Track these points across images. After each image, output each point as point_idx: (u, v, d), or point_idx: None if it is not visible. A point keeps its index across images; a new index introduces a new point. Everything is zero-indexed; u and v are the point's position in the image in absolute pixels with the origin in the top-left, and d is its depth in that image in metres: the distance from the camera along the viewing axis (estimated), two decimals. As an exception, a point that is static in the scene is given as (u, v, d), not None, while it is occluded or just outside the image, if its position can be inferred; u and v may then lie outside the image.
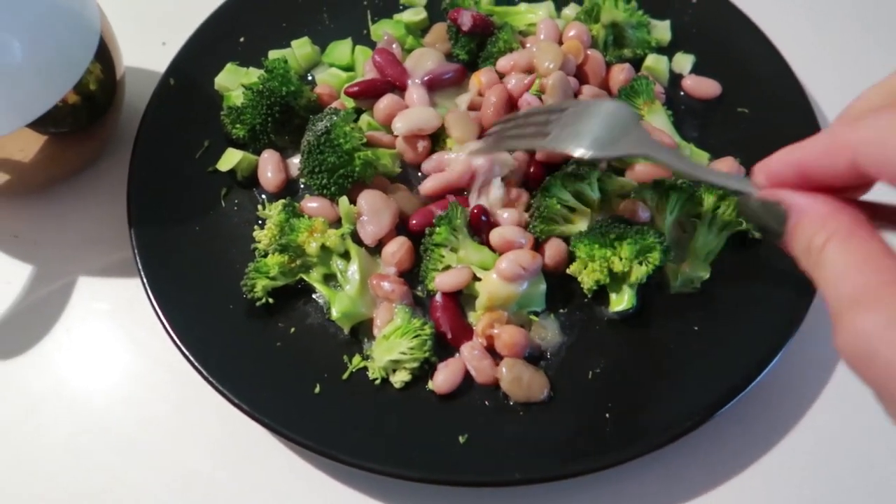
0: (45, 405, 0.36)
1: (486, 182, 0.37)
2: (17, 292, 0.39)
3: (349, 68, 0.43)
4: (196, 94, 0.42)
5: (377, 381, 0.35)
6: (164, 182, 0.39)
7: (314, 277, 0.36)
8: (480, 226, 0.36)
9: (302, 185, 0.40)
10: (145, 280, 0.36)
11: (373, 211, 0.36)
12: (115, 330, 0.38)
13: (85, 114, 0.38)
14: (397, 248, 0.36)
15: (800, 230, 0.22)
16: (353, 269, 0.35)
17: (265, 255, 0.36)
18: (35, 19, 0.34)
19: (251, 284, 0.36)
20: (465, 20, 0.41)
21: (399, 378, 0.34)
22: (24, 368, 0.37)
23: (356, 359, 0.35)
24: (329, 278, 0.37)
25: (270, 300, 0.36)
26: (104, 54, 0.38)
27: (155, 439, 0.35)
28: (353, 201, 0.37)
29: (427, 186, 0.37)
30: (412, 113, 0.38)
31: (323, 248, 0.35)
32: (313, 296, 0.37)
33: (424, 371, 0.35)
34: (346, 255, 0.36)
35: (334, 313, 0.35)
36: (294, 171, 0.40)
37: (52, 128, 0.36)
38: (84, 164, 0.42)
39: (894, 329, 0.18)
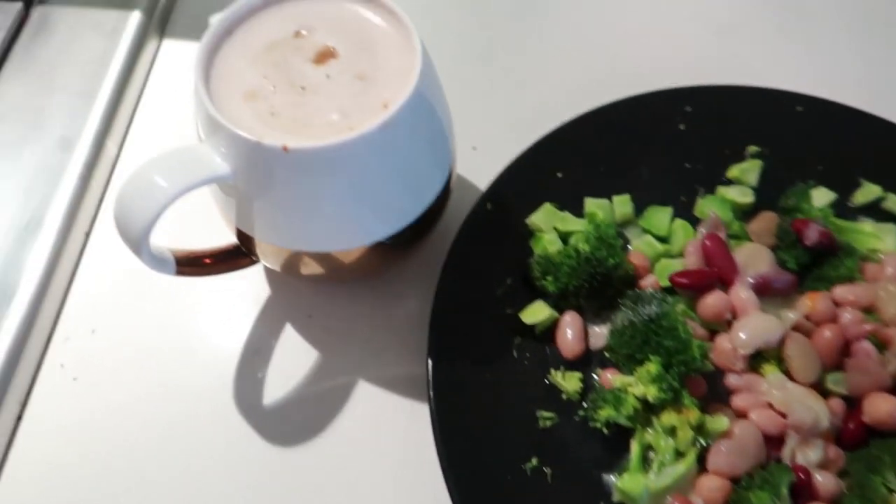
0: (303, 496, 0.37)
1: (806, 438, 0.34)
2: (300, 377, 0.40)
3: (664, 239, 0.42)
4: (508, 224, 0.42)
5: None
6: (464, 315, 0.39)
7: (640, 438, 0.35)
8: (802, 493, 0.33)
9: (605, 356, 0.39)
10: (436, 417, 0.36)
11: (741, 445, 0.34)
12: (389, 445, 0.39)
13: (424, 226, 0.38)
14: (717, 486, 0.34)
15: None
16: (673, 470, 0.34)
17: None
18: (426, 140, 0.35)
19: (597, 407, 0.36)
20: (812, 235, 0.38)
21: None
22: (295, 456, 0.38)
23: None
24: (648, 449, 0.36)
25: (605, 430, 0.36)
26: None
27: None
28: (692, 393, 0.35)
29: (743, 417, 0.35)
30: (756, 326, 0.36)
31: (674, 428, 0.35)
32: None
33: None
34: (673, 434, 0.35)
35: (618, 481, 0.35)
36: (595, 341, 0.39)
37: (389, 239, 0.37)
38: (393, 266, 0.43)
39: None
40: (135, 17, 0.53)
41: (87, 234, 0.45)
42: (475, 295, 0.40)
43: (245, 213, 0.35)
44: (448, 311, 0.39)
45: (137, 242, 0.32)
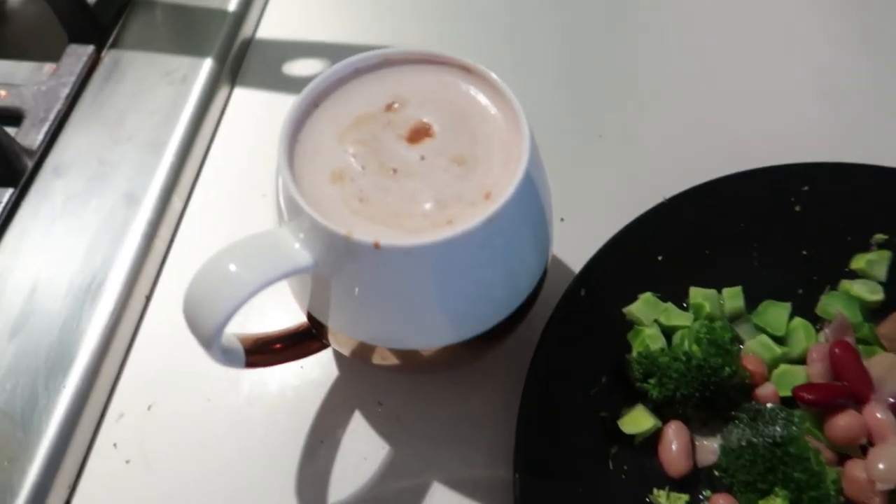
0: None
1: None
2: (369, 472, 0.37)
3: (781, 339, 0.37)
4: (603, 314, 0.38)
5: None
6: (554, 417, 0.35)
7: None
8: None
9: (714, 475, 0.35)
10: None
11: None
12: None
13: (516, 319, 0.34)
14: None
15: None
16: None
17: None
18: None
19: None
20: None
21: None
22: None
23: None
24: None
25: None
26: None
27: None
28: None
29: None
30: None
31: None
32: None
33: None
34: None
35: None
36: (703, 456, 0.35)
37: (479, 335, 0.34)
38: (477, 360, 0.39)
39: None
40: (207, 65, 0.50)
41: (148, 299, 0.43)
42: (566, 394, 0.36)
43: (321, 300, 0.32)
44: (536, 412, 0.35)
45: (209, 340, 0.29)
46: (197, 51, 0.51)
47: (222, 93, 0.51)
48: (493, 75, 0.32)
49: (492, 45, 0.54)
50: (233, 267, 0.28)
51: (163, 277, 0.44)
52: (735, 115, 0.49)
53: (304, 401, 0.39)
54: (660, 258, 0.40)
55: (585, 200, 0.45)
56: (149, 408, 0.39)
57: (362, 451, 0.37)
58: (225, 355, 0.31)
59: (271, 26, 0.55)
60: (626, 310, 0.38)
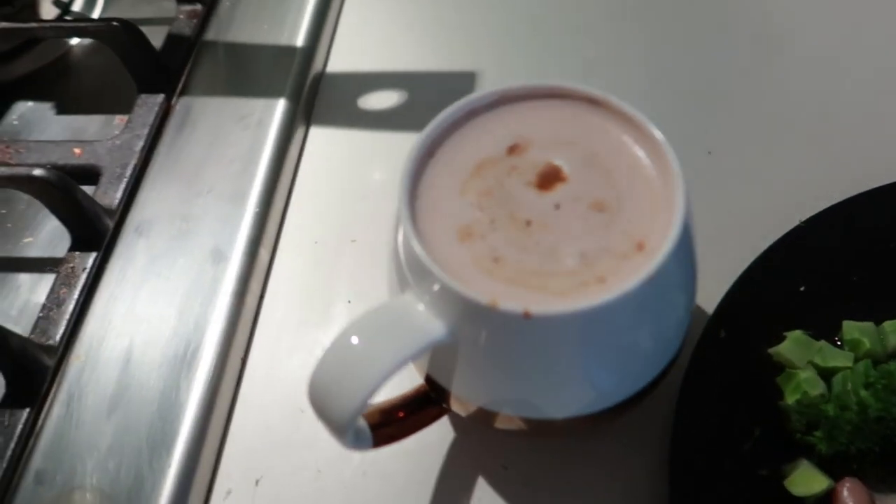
0: None
1: None
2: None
3: (959, 375, 0.33)
4: (748, 358, 0.34)
5: None
6: (707, 480, 0.32)
7: None
8: None
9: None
10: None
11: None
12: None
13: (659, 380, 0.31)
14: None
15: None
16: None
17: None
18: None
19: None
20: None
21: None
22: None
23: None
24: None
25: None
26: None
27: None
28: None
29: None
30: None
31: None
32: None
33: None
34: None
35: None
36: (884, 520, 0.31)
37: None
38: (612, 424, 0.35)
39: None
40: (281, 105, 0.48)
41: (244, 362, 0.40)
42: (718, 453, 0.32)
43: (447, 366, 0.29)
44: (686, 475, 0.31)
45: (344, 428, 0.26)
46: (269, 92, 0.49)
47: (298, 134, 0.49)
48: (628, 107, 0.28)
49: (592, 64, 0.50)
50: (364, 346, 0.25)
51: (256, 337, 0.41)
52: (867, 128, 0.45)
53: (423, 467, 0.36)
54: (802, 289, 0.36)
55: (713, 229, 0.41)
56: (257, 482, 0.37)
57: (492, 522, 0.34)
58: (356, 440, 0.28)
59: (342, 59, 0.53)
60: (772, 350, 0.34)
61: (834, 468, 0.31)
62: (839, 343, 0.35)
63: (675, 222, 0.25)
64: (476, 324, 0.25)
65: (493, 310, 0.24)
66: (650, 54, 0.50)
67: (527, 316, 0.24)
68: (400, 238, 0.28)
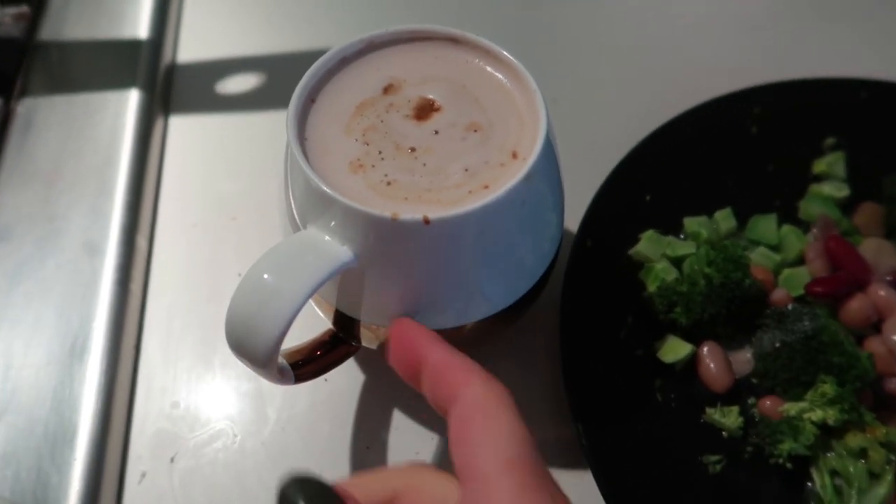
0: None
1: None
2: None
3: (775, 247, 0.40)
4: (613, 260, 0.39)
5: None
6: (595, 367, 0.36)
7: (825, 467, 0.33)
8: None
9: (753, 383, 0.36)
10: (602, 484, 0.32)
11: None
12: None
13: (542, 283, 0.34)
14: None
15: None
16: (875, 494, 0.31)
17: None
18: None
19: (776, 440, 0.33)
20: (936, 219, 0.37)
21: None
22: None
23: None
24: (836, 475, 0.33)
25: (789, 465, 0.33)
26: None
27: None
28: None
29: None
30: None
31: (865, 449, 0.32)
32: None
33: None
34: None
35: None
36: (739, 368, 0.36)
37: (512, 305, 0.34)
38: (504, 334, 0.39)
39: None
40: (135, 97, 0.47)
41: (137, 349, 0.39)
42: (601, 344, 0.37)
43: (353, 295, 0.31)
44: (579, 368, 0.35)
45: (266, 361, 0.27)
46: (120, 84, 0.48)
47: (159, 123, 0.48)
48: (485, 41, 0.32)
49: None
50: (275, 280, 0.26)
51: (147, 321, 0.40)
52: (672, 55, 0.52)
53: (339, 413, 0.37)
54: (648, 198, 0.41)
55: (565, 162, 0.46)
56: (172, 459, 0.36)
57: (413, 446, 0.36)
58: (280, 376, 0.29)
59: (193, 47, 0.53)
60: (632, 251, 0.39)
61: (694, 336, 0.37)
62: (683, 237, 0.40)
63: (541, 130, 0.29)
64: (380, 239, 0.27)
65: (395, 221, 0.26)
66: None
67: (426, 222, 0.26)
68: (294, 180, 0.29)
